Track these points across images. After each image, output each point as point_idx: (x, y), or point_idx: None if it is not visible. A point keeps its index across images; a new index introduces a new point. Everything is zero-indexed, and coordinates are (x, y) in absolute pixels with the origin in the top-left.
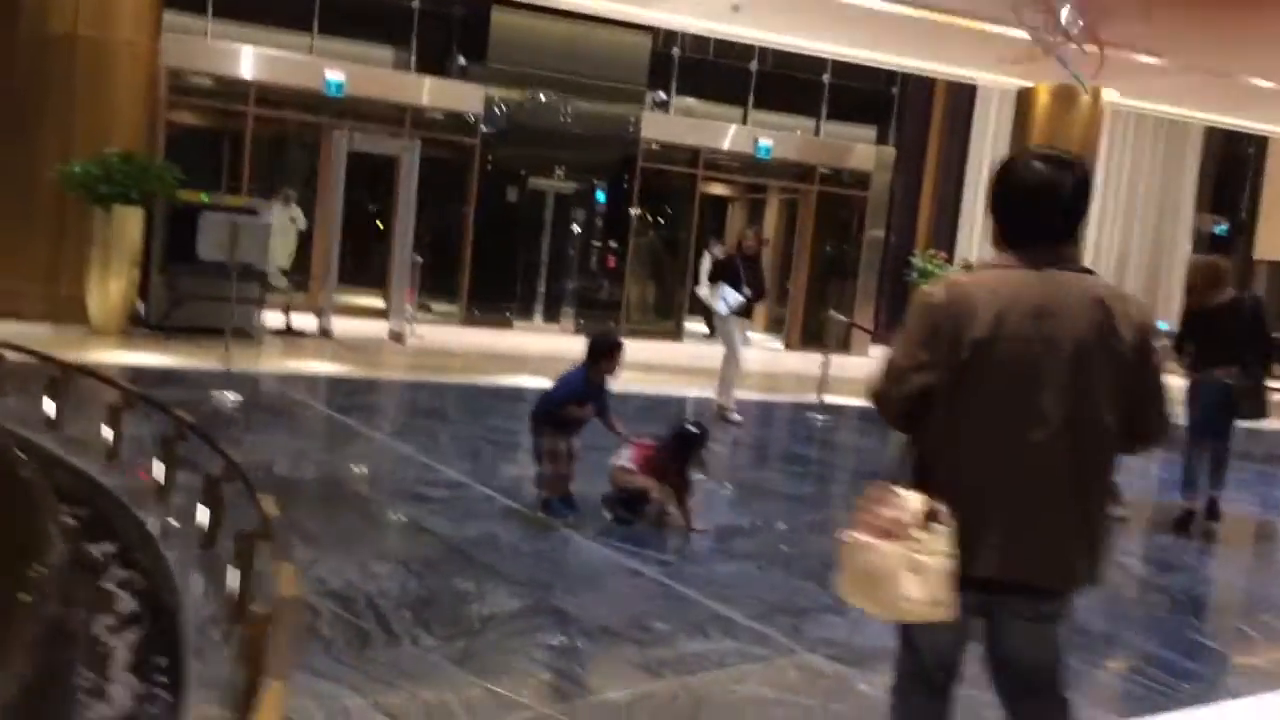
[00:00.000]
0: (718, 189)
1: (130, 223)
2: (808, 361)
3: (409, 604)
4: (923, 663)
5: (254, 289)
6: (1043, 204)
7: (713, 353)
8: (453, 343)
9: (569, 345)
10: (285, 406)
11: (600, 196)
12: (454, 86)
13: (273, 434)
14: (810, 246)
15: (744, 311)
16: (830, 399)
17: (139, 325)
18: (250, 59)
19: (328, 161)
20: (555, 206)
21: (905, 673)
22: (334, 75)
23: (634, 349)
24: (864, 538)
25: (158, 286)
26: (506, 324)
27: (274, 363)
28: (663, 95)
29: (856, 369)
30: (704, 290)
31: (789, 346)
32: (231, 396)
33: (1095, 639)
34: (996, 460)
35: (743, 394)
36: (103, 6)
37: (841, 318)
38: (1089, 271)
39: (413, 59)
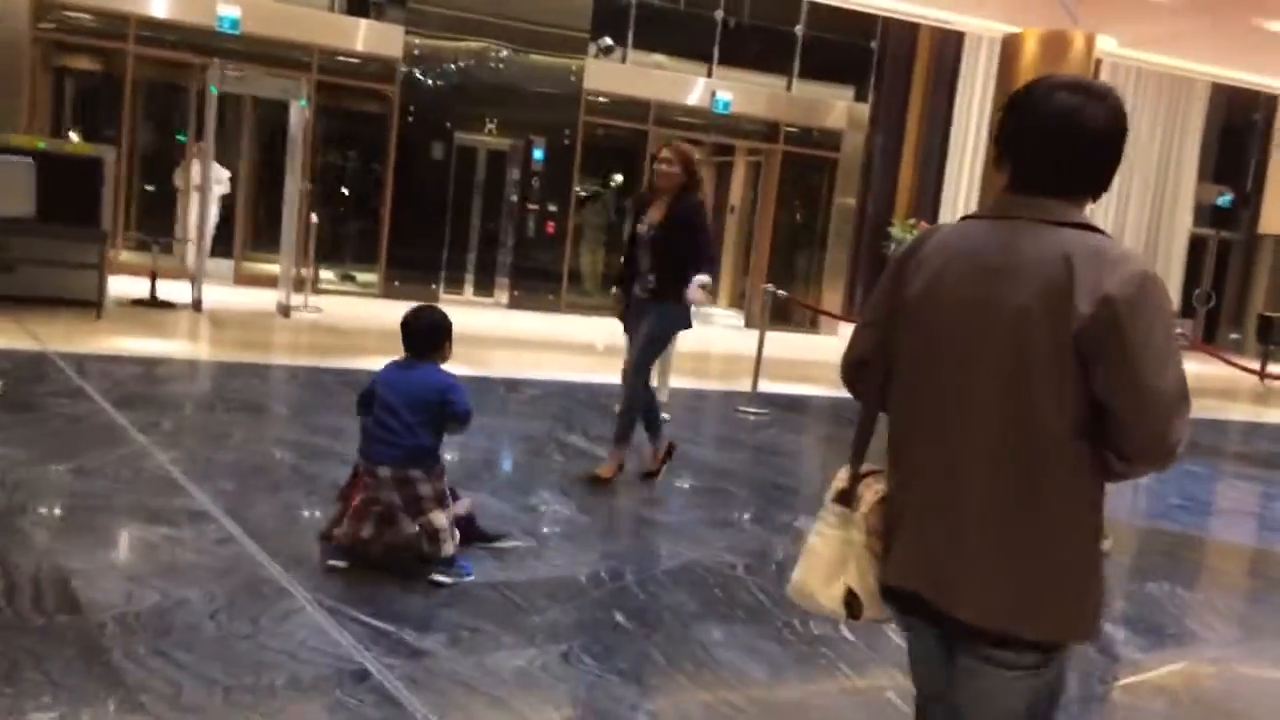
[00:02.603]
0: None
1: None
2: (769, 342)
3: None
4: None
5: (90, 251)
6: (1062, 142)
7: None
8: (360, 317)
9: (502, 320)
10: (48, 398)
11: (538, 154)
12: (367, 26)
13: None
14: (774, 213)
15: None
16: (771, 388)
17: None
18: None
19: (202, 107)
20: (487, 165)
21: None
22: (227, 10)
23: (576, 326)
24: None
25: None
26: (432, 297)
27: (95, 341)
28: (608, 41)
29: (820, 351)
30: None
31: (750, 324)
32: None
33: None
34: (915, 446)
35: (675, 382)
36: None
37: (779, 292)
38: (1092, 229)
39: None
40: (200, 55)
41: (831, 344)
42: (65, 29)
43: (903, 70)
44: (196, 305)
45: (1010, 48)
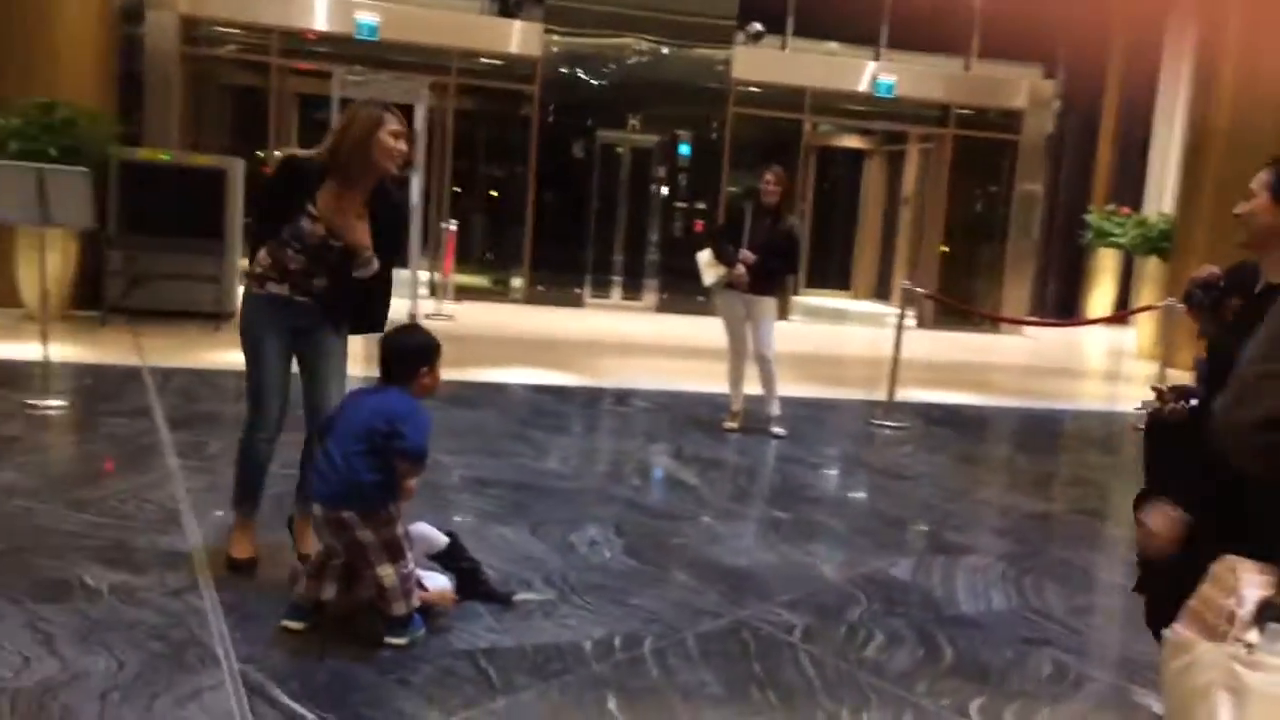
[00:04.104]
0: (841, 140)
1: None
2: (941, 343)
3: None
4: None
5: (210, 264)
6: None
7: (819, 334)
8: (492, 324)
9: (647, 326)
10: (108, 417)
11: (684, 150)
12: (506, 26)
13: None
14: (946, 204)
15: (753, 284)
16: (924, 397)
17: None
18: (271, 2)
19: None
20: (631, 163)
21: None
22: (365, 17)
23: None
24: (1186, 632)
25: (114, 263)
26: (577, 302)
27: (198, 355)
28: (757, 27)
29: (1000, 353)
30: (704, 254)
31: (922, 324)
32: (56, 404)
33: None
34: None
35: (799, 390)
36: None
37: (917, 289)
38: None
39: (488, 3)
40: (340, 63)
41: (1014, 345)
42: (212, 44)
43: (1098, 40)
44: None
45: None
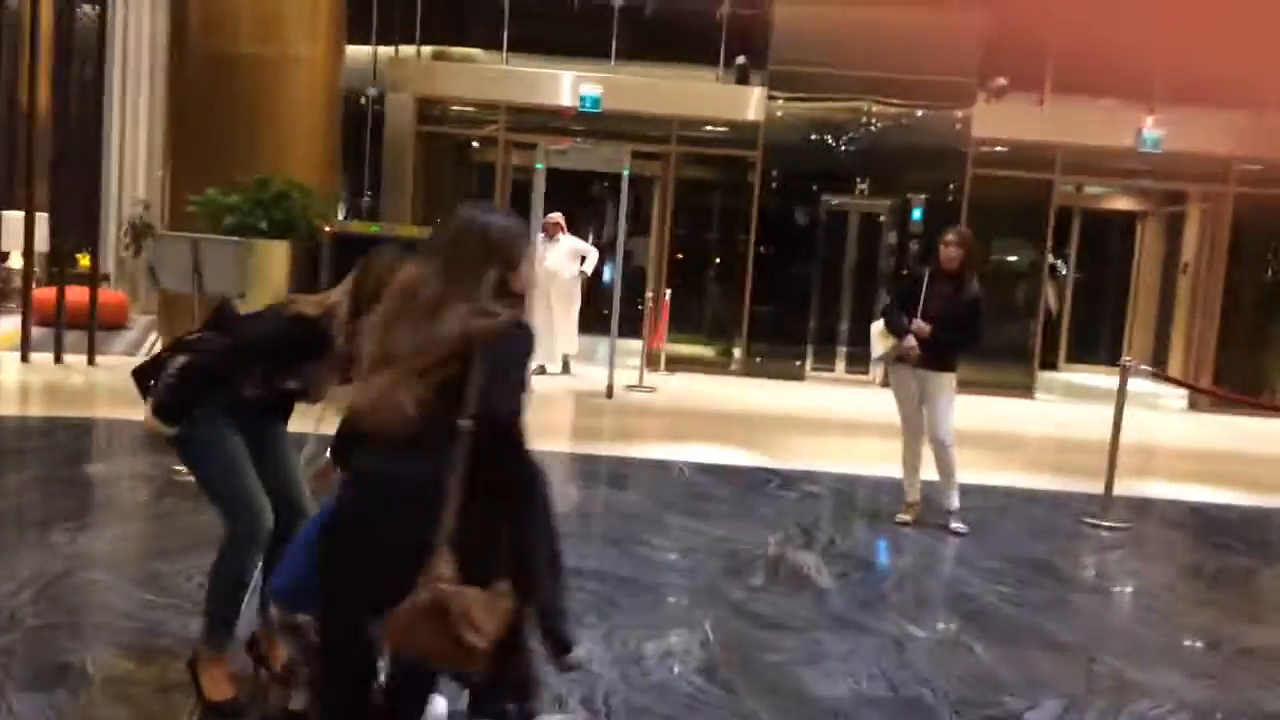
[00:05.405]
0: (1104, 201)
1: (272, 259)
2: (1214, 429)
3: None
4: None
5: None
6: None
7: (1072, 414)
8: (695, 397)
9: (869, 401)
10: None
11: (917, 214)
12: (728, 92)
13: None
14: (1227, 269)
15: (927, 358)
16: (1150, 491)
17: None
18: (498, 78)
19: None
20: (859, 229)
21: None
22: (589, 90)
23: (966, 406)
24: None
25: None
26: (797, 375)
27: None
28: (1001, 82)
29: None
30: (877, 323)
31: (1195, 406)
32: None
33: None
34: None
35: (1012, 479)
36: (271, 21)
37: (1142, 366)
38: None
39: (721, 71)
40: (566, 137)
41: None
42: (446, 123)
43: None
44: None
45: None
